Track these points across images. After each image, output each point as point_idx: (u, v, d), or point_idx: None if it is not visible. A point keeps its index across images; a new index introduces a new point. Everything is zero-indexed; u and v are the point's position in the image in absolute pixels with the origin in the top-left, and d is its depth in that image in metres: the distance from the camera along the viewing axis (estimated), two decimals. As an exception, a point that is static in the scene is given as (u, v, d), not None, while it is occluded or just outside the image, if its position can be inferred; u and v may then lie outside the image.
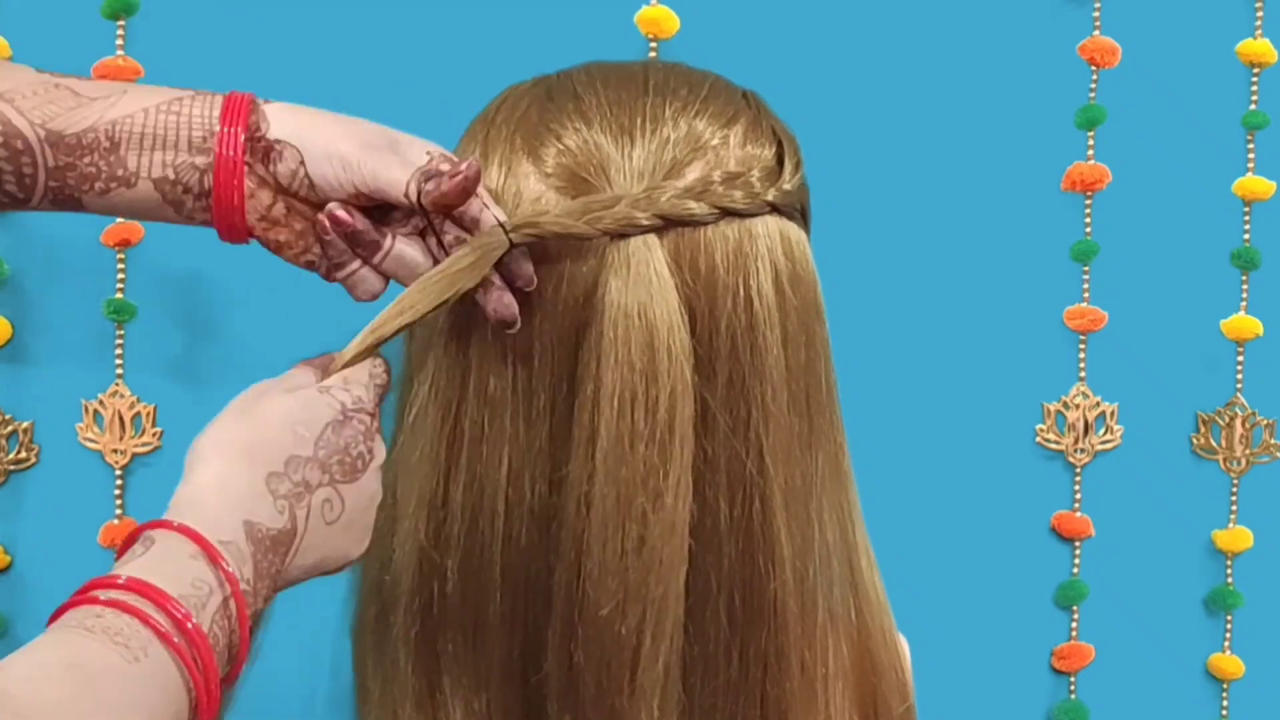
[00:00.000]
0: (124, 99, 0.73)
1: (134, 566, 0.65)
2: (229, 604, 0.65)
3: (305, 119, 0.74)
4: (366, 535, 0.72)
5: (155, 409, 1.26)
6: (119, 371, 1.26)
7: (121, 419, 1.25)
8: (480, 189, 0.73)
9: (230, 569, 0.65)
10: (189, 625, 0.63)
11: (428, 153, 0.74)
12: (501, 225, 0.72)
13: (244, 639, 0.65)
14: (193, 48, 1.22)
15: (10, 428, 1.25)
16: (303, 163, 0.73)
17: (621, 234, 0.71)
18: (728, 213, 0.73)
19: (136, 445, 1.26)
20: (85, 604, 0.63)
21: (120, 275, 1.25)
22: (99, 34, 1.22)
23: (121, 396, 1.25)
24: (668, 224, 0.72)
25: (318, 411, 0.70)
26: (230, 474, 0.68)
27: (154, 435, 1.26)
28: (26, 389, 1.26)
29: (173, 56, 1.23)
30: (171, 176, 0.74)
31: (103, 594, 0.63)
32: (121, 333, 1.25)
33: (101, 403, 1.25)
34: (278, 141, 0.73)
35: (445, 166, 0.73)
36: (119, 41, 1.23)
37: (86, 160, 0.73)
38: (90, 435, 1.25)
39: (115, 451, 1.25)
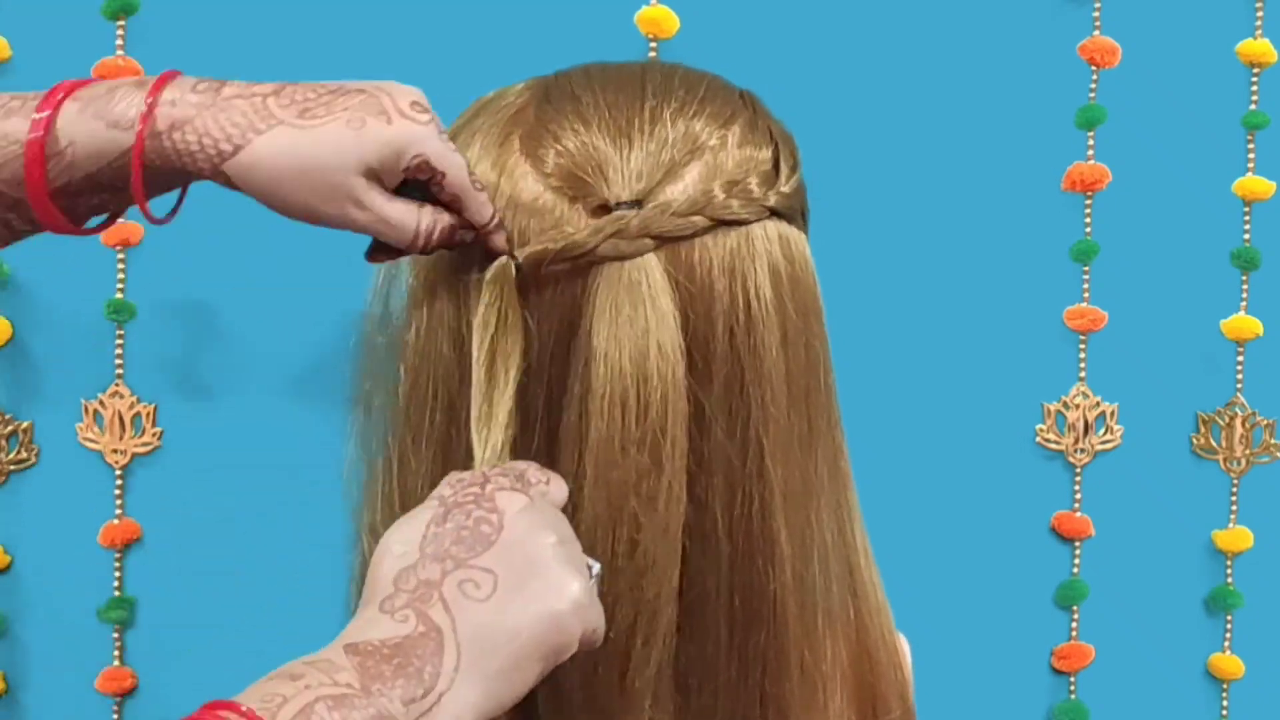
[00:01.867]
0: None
1: None
2: None
3: (271, 188, 0.70)
4: (572, 569, 0.66)
5: (155, 409, 1.26)
6: (119, 371, 1.26)
7: (121, 419, 1.25)
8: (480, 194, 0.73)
9: None
10: None
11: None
12: (512, 257, 0.72)
13: None
14: (193, 48, 1.22)
15: (10, 428, 1.25)
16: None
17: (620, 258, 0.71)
18: (726, 224, 0.73)
19: (136, 445, 1.26)
20: None
21: (120, 275, 1.25)
22: (99, 34, 1.22)
23: (121, 396, 1.25)
24: (664, 242, 0.72)
25: (413, 523, 0.66)
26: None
27: (154, 435, 1.26)
28: (26, 389, 1.26)
29: (173, 56, 1.22)
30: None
31: None
32: (121, 333, 1.25)
33: (101, 403, 1.25)
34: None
35: (452, 224, 0.73)
36: (119, 41, 1.23)
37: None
38: (90, 435, 1.25)
39: (115, 451, 1.25)
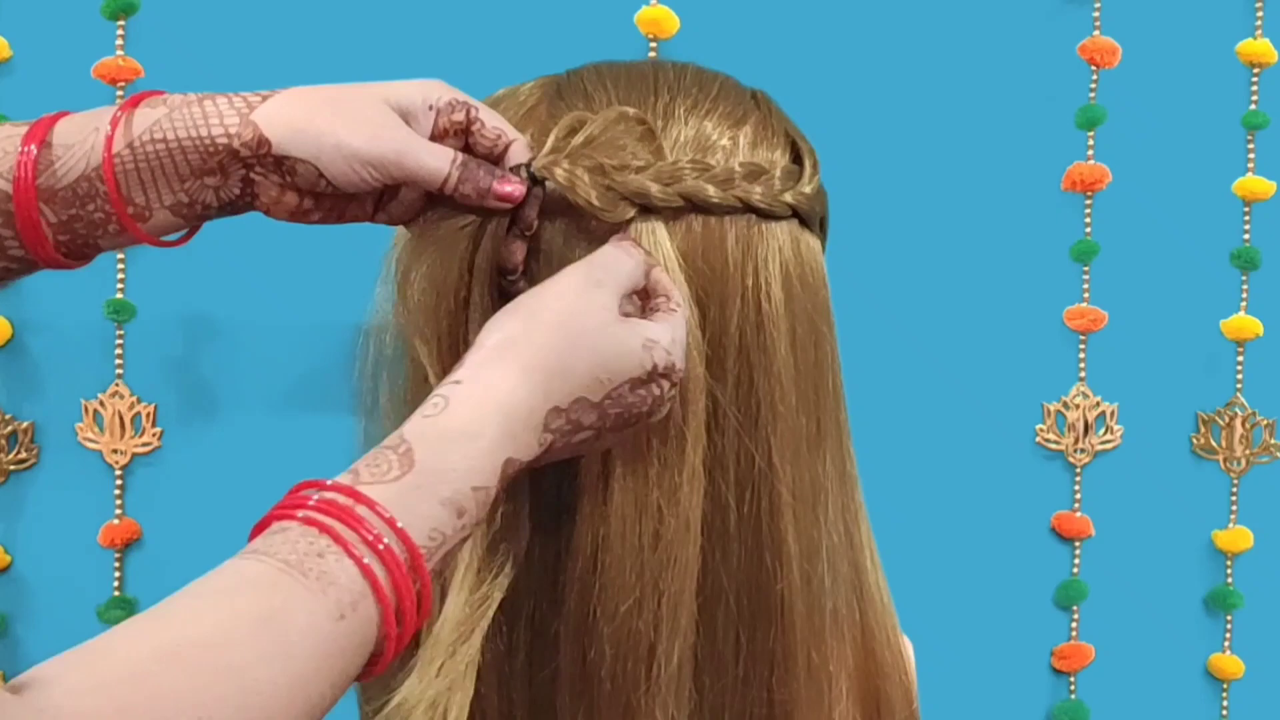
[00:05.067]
0: (98, 139, 0.71)
1: (384, 492, 0.61)
2: (447, 556, 0.63)
3: (303, 121, 0.70)
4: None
5: (155, 409, 1.26)
6: (119, 371, 1.26)
7: (121, 419, 1.25)
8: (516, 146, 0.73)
9: (463, 522, 0.63)
10: (412, 585, 0.60)
11: (439, 111, 0.72)
12: (532, 176, 0.72)
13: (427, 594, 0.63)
14: (193, 48, 1.22)
15: (10, 428, 1.25)
16: (321, 175, 0.70)
17: (641, 205, 0.71)
18: (748, 207, 0.73)
19: (136, 445, 1.26)
20: (321, 529, 0.59)
21: (120, 275, 1.25)
22: (99, 34, 1.22)
23: (121, 397, 1.25)
24: (687, 205, 0.72)
25: (626, 362, 0.67)
26: (521, 398, 0.65)
27: (154, 435, 1.26)
28: (26, 389, 1.26)
29: (173, 56, 1.23)
30: (185, 200, 0.72)
31: (341, 529, 0.59)
32: (121, 333, 1.25)
33: (101, 403, 1.25)
34: (286, 157, 0.70)
35: (482, 176, 0.71)
36: (119, 41, 1.23)
37: (91, 207, 0.71)
38: (90, 435, 1.25)
39: (115, 451, 1.25)
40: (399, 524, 0.60)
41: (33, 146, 0.70)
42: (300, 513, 0.60)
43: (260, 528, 0.61)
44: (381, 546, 0.60)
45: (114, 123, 0.70)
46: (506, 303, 0.69)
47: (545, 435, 0.66)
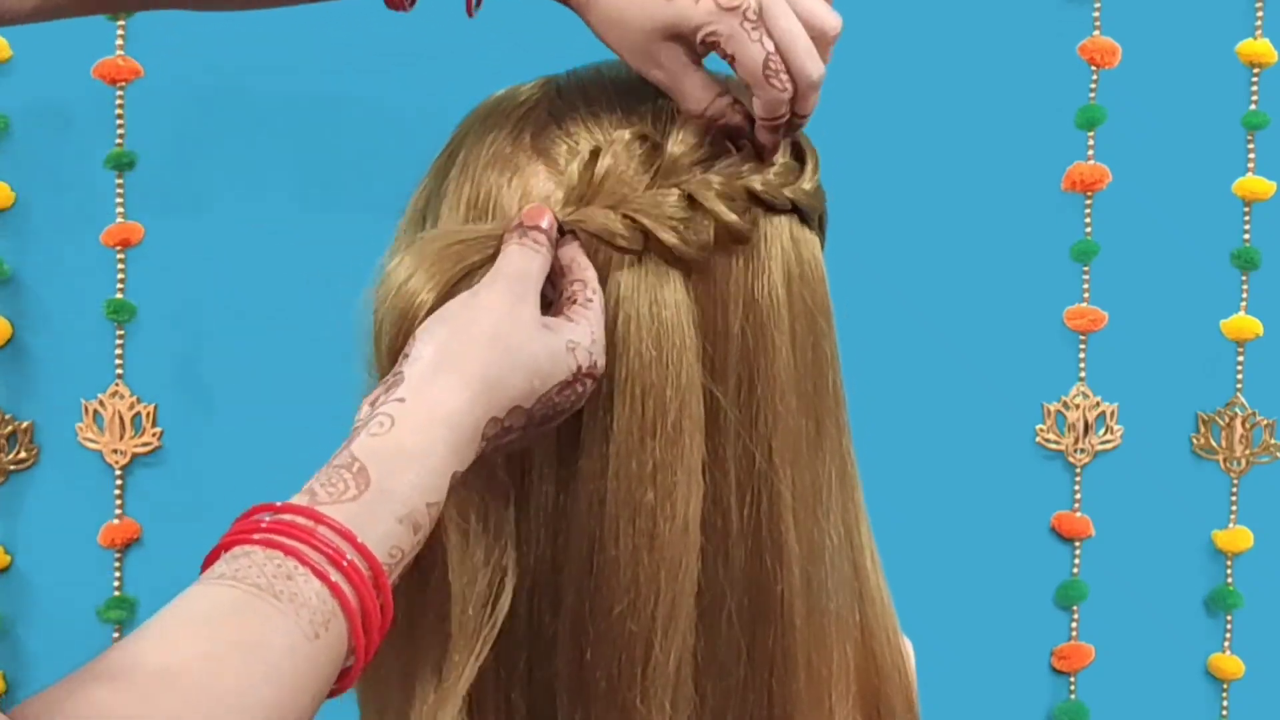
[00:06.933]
0: None
1: (343, 511, 0.62)
2: (404, 570, 0.64)
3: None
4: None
5: (155, 409, 1.26)
6: (119, 371, 1.26)
7: (121, 419, 1.25)
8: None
9: (418, 538, 0.64)
10: (376, 601, 0.61)
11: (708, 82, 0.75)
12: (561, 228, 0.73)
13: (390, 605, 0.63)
14: (193, 48, 1.22)
15: (10, 428, 1.25)
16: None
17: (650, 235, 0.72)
18: (751, 195, 0.73)
19: (136, 445, 1.26)
20: (287, 551, 0.59)
21: (120, 275, 1.25)
22: (99, 34, 1.22)
23: (121, 397, 1.25)
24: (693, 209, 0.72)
25: (556, 368, 0.69)
26: (465, 413, 0.66)
27: (154, 435, 1.26)
28: (26, 389, 1.26)
29: (173, 56, 1.23)
30: None
31: (307, 550, 0.60)
32: (121, 333, 1.25)
33: (101, 403, 1.25)
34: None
35: (738, 116, 0.74)
36: (119, 41, 1.23)
37: None
38: (90, 435, 1.25)
39: (115, 451, 1.26)
40: (361, 542, 0.61)
41: None
42: (261, 536, 0.60)
43: (216, 553, 0.61)
44: (346, 563, 0.60)
45: None
46: None
47: (483, 442, 0.67)
